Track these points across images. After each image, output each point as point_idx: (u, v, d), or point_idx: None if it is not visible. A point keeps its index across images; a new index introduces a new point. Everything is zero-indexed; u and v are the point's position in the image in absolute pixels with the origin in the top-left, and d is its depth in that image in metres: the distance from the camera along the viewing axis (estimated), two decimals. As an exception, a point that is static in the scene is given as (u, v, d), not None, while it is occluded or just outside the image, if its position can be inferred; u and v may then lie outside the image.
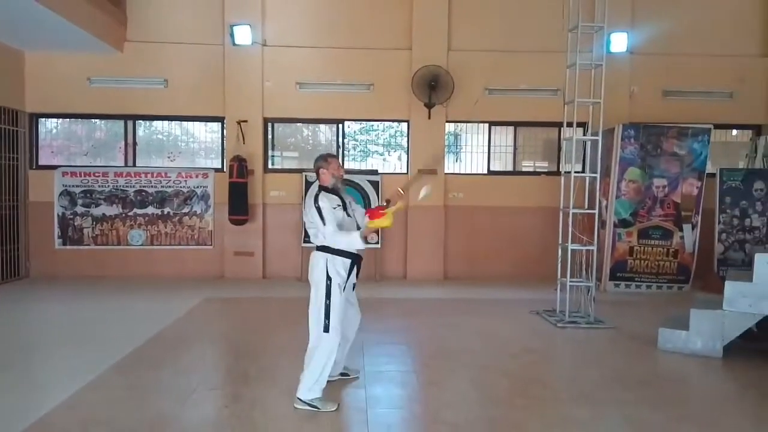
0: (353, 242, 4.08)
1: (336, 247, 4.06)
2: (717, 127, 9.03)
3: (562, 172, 6.89)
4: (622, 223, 8.40)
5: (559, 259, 6.69)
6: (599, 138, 6.65)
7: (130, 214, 9.09)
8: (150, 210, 9.12)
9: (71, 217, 9.02)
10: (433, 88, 8.87)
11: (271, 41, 9.12)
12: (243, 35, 8.76)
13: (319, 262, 4.06)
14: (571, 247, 6.51)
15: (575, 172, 6.56)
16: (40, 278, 8.88)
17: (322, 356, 3.93)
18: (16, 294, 7.84)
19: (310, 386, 3.92)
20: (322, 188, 4.19)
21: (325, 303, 3.96)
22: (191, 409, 4.00)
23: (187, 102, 9.11)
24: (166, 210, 9.14)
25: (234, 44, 8.83)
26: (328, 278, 4.01)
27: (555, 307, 6.73)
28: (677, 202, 8.37)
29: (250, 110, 9.07)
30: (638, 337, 5.87)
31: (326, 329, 3.93)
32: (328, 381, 4.06)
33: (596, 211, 6.73)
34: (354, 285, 4.34)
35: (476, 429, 3.69)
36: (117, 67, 8.99)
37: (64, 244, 9.03)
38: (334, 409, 3.93)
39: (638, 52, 9.24)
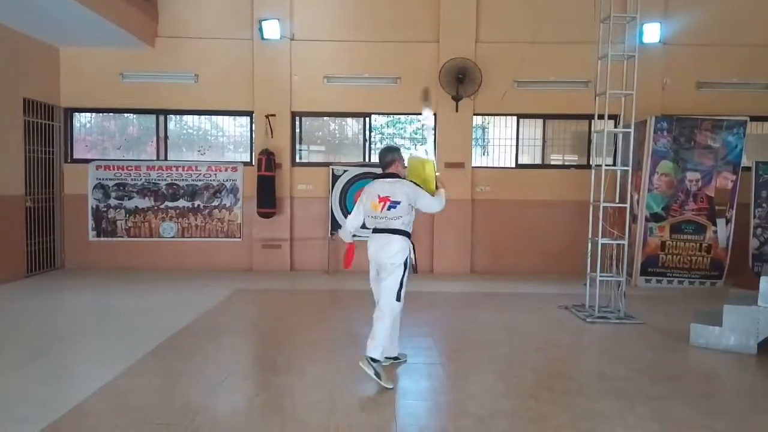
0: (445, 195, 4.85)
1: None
2: (753, 119, 8.80)
3: (593, 166, 6.80)
4: (654, 218, 8.26)
5: (589, 254, 6.62)
6: (631, 130, 6.54)
7: (161, 206, 9.27)
8: (181, 203, 9.29)
9: (105, 209, 9.23)
10: (460, 80, 8.83)
11: (299, 35, 9.18)
12: (271, 30, 8.83)
13: (400, 250, 4.47)
14: (601, 241, 6.43)
15: (606, 165, 6.46)
16: (75, 269, 9.13)
17: (394, 319, 4.54)
18: (51, 284, 8.08)
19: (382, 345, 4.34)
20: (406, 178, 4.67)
21: (402, 281, 4.50)
22: (222, 397, 4.08)
23: (217, 96, 9.23)
24: (197, 203, 9.29)
25: (262, 39, 8.92)
26: (408, 260, 4.54)
27: (584, 302, 6.67)
28: (711, 196, 8.19)
29: (279, 104, 9.15)
30: (669, 333, 5.78)
31: (398, 298, 4.49)
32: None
33: (627, 205, 6.63)
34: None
35: (502, 421, 3.69)
36: (148, 63, 9.16)
37: (98, 236, 9.25)
38: (391, 387, 4.20)
39: (671, 42, 9.04)
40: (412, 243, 4.57)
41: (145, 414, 3.71)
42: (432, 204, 4.64)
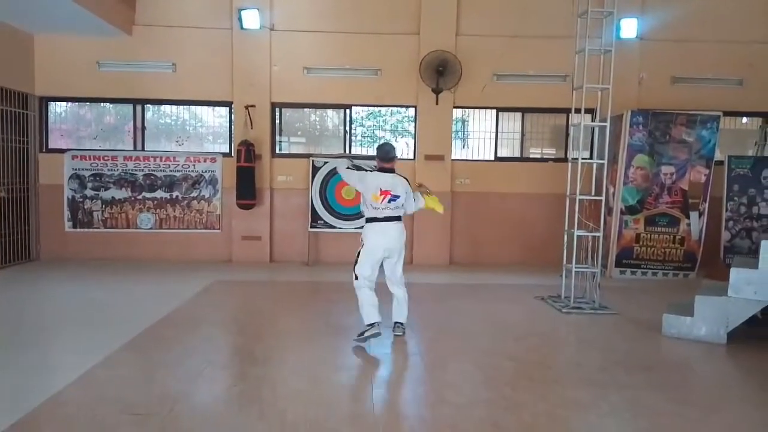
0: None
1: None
2: (726, 114, 8.98)
3: (570, 159, 6.89)
4: (629, 210, 8.41)
5: (565, 246, 6.71)
6: (607, 124, 6.63)
7: (139, 197, 9.17)
8: (159, 194, 9.19)
9: (81, 200, 9.10)
10: (440, 73, 8.86)
11: (278, 26, 9.11)
12: (251, 19, 8.75)
13: (404, 233, 5.24)
14: (577, 233, 6.53)
15: (583, 158, 6.56)
16: (51, 260, 8.99)
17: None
18: (27, 276, 7.96)
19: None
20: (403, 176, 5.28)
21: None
22: (200, 387, 4.08)
23: (195, 86, 9.13)
24: (175, 194, 9.21)
25: (242, 28, 8.83)
26: None
27: (560, 293, 6.77)
28: (685, 190, 8.36)
29: (258, 95, 9.09)
30: (642, 323, 5.91)
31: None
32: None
33: (603, 198, 6.74)
34: None
35: (479, 409, 3.75)
36: (125, 51, 9.01)
37: (74, 226, 9.12)
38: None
39: (648, 38, 9.17)
40: None
41: (123, 404, 3.70)
42: (412, 208, 5.39)
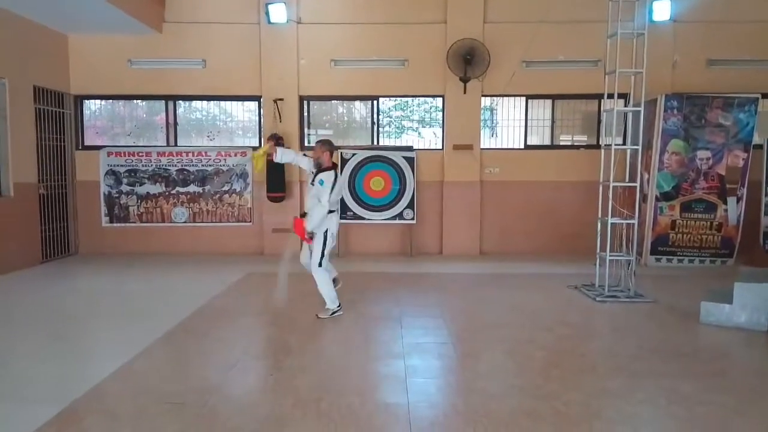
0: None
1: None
2: (764, 96, 8.71)
3: (603, 145, 6.77)
4: (664, 197, 8.23)
5: (599, 234, 6.62)
6: (641, 109, 6.49)
7: (173, 192, 9.35)
8: (192, 188, 9.36)
9: (117, 195, 9.33)
10: (468, 61, 8.78)
11: (305, 19, 9.15)
12: (278, 13, 8.80)
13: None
14: (611, 221, 6.43)
15: (616, 144, 6.44)
16: (89, 255, 9.25)
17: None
18: (67, 270, 8.20)
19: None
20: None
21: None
22: (236, 377, 4.16)
23: (225, 81, 9.25)
24: (207, 188, 9.36)
25: (269, 23, 8.89)
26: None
27: (594, 281, 6.69)
28: (722, 175, 8.14)
29: (286, 88, 9.16)
30: (679, 311, 5.80)
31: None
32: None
33: (637, 185, 6.61)
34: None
35: (511, 398, 3.74)
36: (156, 48, 9.17)
37: (111, 221, 9.36)
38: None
39: (681, 20, 8.92)
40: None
41: (161, 394, 3.80)
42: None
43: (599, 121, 9.18)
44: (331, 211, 5.53)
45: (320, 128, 9.91)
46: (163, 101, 9.51)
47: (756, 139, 8.31)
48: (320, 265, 5.54)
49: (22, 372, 4.18)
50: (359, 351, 4.68)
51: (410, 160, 9.15)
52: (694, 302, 5.58)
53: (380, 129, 9.64)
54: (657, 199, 8.23)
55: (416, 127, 10.03)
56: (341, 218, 8.97)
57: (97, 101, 9.70)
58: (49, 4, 7.64)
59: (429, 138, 9.91)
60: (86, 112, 9.61)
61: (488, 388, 3.90)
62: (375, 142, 9.53)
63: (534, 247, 9.32)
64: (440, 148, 9.47)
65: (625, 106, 7.36)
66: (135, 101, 9.77)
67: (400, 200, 9.12)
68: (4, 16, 7.65)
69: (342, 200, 9.11)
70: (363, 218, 9.14)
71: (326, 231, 5.54)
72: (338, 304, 5.66)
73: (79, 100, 9.43)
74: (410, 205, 9.12)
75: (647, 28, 6.35)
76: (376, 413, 3.51)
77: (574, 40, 8.96)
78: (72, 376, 4.11)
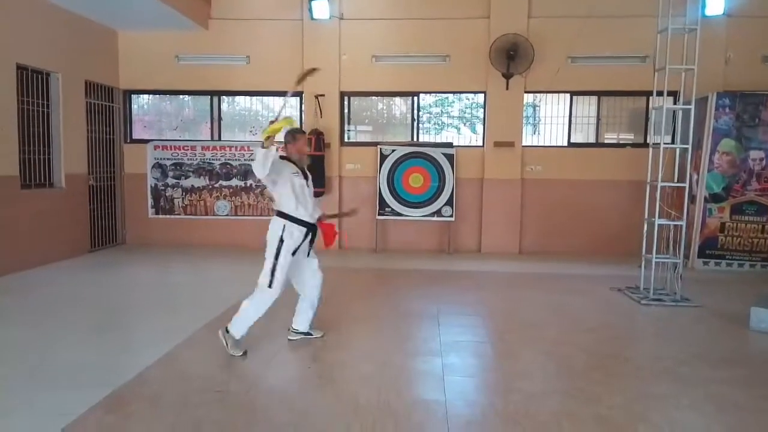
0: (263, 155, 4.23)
1: (257, 165, 4.24)
2: (824, 93, 8.32)
3: (651, 144, 6.58)
4: (714, 198, 7.96)
5: (645, 235, 6.44)
6: (692, 107, 6.27)
7: (216, 185, 9.54)
8: (234, 182, 9.53)
9: (163, 188, 9.57)
10: (511, 57, 8.66)
11: (347, 14, 9.18)
12: (321, 9, 8.86)
13: (275, 226, 4.45)
14: (658, 222, 6.25)
15: (665, 143, 6.25)
16: (135, 245, 9.53)
17: (258, 306, 4.40)
18: (114, 259, 8.46)
19: (239, 326, 4.38)
20: (283, 157, 4.53)
21: (273, 262, 4.39)
22: (276, 368, 4.23)
23: (268, 77, 9.35)
24: (249, 182, 9.51)
25: (312, 18, 8.96)
26: (281, 240, 4.41)
27: (638, 284, 6.52)
28: (776, 176, 7.83)
29: (328, 84, 9.20)
30: (728, 316, 5.60)
31: (270, 285, 4.38)
32: (290, 340, 4.71)
33: (686, 185, 6.41)
34: (309, 252, 4.73)
35: (551, 399, 3.68)
36: (202, 45, 9.36)
37: (157, 213, 9.62)
38: (240, 354, 4.32)
39: (736, 14, 8.59)
40: (308, 224, 4.59)
41: (204, 382, 3.88)
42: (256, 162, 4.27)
43: (647, 119, 8.94)
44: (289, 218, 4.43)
45: (360, 124, 9.94)
46: (209, 96, 9.69)
47: (814, 139, 7.95)
48: (270, 285, 4.36)
49: (71, 358, 4.33)
50: (396, 347, 4.68)
51: (449, 157, 9.09)
52: (743, 307, 5.39)
53: (420, 125, 9.61)
54: (706, 201, 7.98)
55: (456, 124, 9.96)
56: (380, 214, 9.02)
57: (145, 96, 9.96)
58: (100, 1, 7.87)
59: (469, 135, 9.83)
60: (134, 106, 9.88)
61: (527, 389, 3.85)
62: (414, 138, 9.50)
63: (576, 247, 9.15)
64: (481, 145, 9.38)
65: (675, 103, 7.14)
66: (181, 96, 9.98)
67: (438, 197, 9.08)
68: (57, 12, 7.92)
69: (380, 196, 9.13)
70: (401, 215, 9.13)
71: (281, 237, 4.42)
72: (240, 353, 4.34)
73: (128, 94, 9.70)
74: (449, 202, 9.07)
75: (699, 22, 6.14)
76: (414, 409, 3.51)
77: (621, 34, 8.74)
78: (118, 362, 4.24)
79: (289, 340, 4.77)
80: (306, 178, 4.61)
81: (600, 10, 8.60)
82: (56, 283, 6.87)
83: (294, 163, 4.59)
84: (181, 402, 3.57)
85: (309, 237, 4.61)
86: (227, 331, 4.40)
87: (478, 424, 3.36)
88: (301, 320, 4.80)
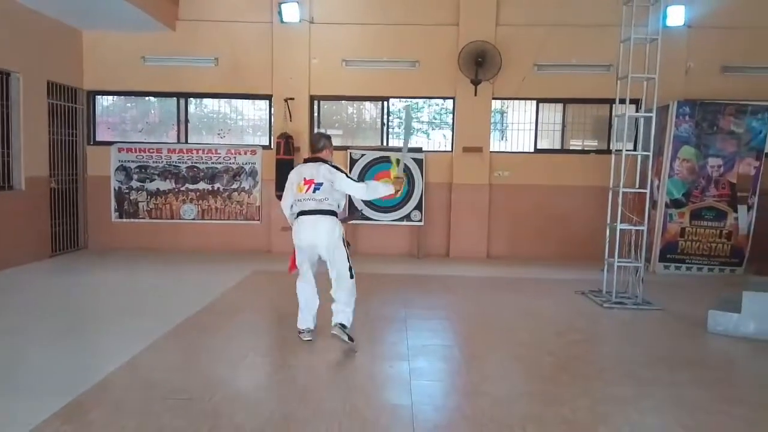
0: (384, 190, 4.84)
1: (372, 198, 4.95)
2: (779, 104, 8.65)
3: (613, 151, 6.74)
4: (674, 204, 8.18)
5: (608, 239, 6.58)
6: (653, 115, 6.44)
7: (182, 189, 9.39)
8: (201, 185, 9.40)
9: (127, 191, 9.38)
10: (480, 64, 8.77)
11: (318, 18, 9.17)
12: (291, 13, 8.81)
13: (335, 228, 4.70)
14: (620, 227, 6.39)
15: (627, 150, 6.40)
16: (98, 250, 9.31)
17: (352, 295, 4.81)
18: (76, 264, 8.25)
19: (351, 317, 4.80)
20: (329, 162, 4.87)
21: (349, 258, 4.78)
22: (243, 373, 4.17)
23: (236, 80, 9.27)
24: (216, 186, 9.39)
25: (282, 22, 8.91)
26: (345, 241, 4.79)
27: (601, 287, 6.65)
28: (733, 183, 8.09)
29: (297, 88, 9.18)
30: (687, 319, 5.76)
31: (352, 276, 4.79)
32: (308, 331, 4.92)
33: (648, 191, 6.58)
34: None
35: (518, 402, 3.73)
36: (169, 46, 9.22)
37: (120, 217, 9.41)
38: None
39: (696, 25, 8.87)
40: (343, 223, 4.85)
41: (168, 388, 3.81)
42: (352, 187, 4.80)
43: (610, 126, 9.14)
44: (297, 215, 4.73)
45: (330, 128, 9.92)
46: (175, 98, 9.55)
47: (769, 148, 8.24)
48: (352, 275, 4.81)
49: (30, 364, 4.21)
50: (364, 351, 4.68)
51: (419, 162, 9.14)
52: (702, 311, 5.54)
53: (390, 130, 9.64)
54: (667, 206, 8.19)
55: (426, 129, 10.02)
56: (350, 216, 9.01)
57: (110, 97, 9.76)
58: (66, 2, 7.69)
59: (438, 140, 9.90)
60: (98, 107, 9.67)
61: (494, 392, 3.89)
62: (384, 143, 9.53)
63: (542, 251, 9.29)
64: (450, 150, 9.46)
65: (637, 111, 7.32)
66: (147, 98, 9.82)
67: (408, 202, 9.12)
68: (19, 11, 7.72)
69: (350, 200, 9.12)
70: (371, 219, 9.14)
71: (344, 237, 4.84)
72: (302, 329, 4.90)
73: (92, 95, 9.50)
74: (418, 207, 9.12)
75: (661, 33, 6.32)
76: (381, 414, 3.51)
77: (586, 44, 8.93)
78: (79, 369, 4.13)
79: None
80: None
81: (566, 19, 8.79)
82: (15, 289, 6.67)
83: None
84: (144, 409, 3.50)
85: None
86: (345, 327, 4.67)
87: (444, 428, 3.38)
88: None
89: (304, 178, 4.72)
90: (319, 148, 4.86)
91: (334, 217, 4.69)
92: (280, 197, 8.89)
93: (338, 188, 4.71)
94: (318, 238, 4.66)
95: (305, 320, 4.93)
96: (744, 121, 8.00)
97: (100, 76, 9.30)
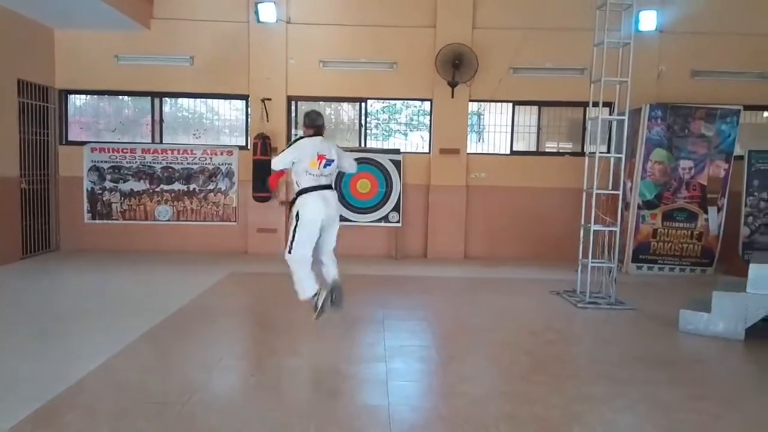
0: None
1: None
2: (747, 108, 8.90)
3: (587, 153, 6.84)
4: (647, 205, 8.33)
5: (582, 240, 6.68)
6: (625, 118, 6.55)
7: (157, 189, 9.27)
8: (176, 186, 9.29)
9: (100, 192, 9.23)
10: (457, 66, 8.82)
11: (295, 18, 9.14)
12: (268, 12, 8.77)
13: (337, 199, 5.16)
14: (593, 228, 6.49)
15: (600, 152, 6.51)
16: (70, 251, 9.14)
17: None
18: (47, 266, 8.10)
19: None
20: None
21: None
22: (218, 377, 4.14)
23: (212, 80, 9.19)
24: (192, 186, 9.30)
25: (258, 21, 8.86)
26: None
27: (576, 287, 6.74)
28: (703, 185, 8.27)
29: (274, 88, 9.13)
30: (659, 319, 5.87)
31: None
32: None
33: (620, 193, 6.70)
34: None
35: (493, 402, 3.76)
36: (144, 45, 9.09)
37: (93, 218, 9.26)
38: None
39: (668, 30, 9.05)
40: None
41: (141, 393, 3.77)
42: (353, 166, 5.39)
43: (584, 129, 9.28)
44: (305, 190, 4.93)
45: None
46: (149, 98, 9.43)
47: (737, 151, 8.44)
48: (290, 252, 4.98)
49: (0, 369, 4.12)
50: (341, 353, 4.68)
51: (397, 163, 9.17)
52: (673, 310, 5.65)
53: (368, 131, 9.65)
54: (639, 207, 8.34)
55: (404, 130, 10.05)
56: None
57: (83, 96, 9.60)
58: (36, -2, 7.55)
59: (416, 141, 9.94)
60: (71, 107, 9.50)
61: (470, 392, 3.92)
62: (362, 144, 9.54)
63: (519, 252, 9.38)
64: (427, 151, 9.50)
65: (610, 114, 7.44)
66: (121, 97, 9.67)
67: (386, 203, 9.14)
68: (-12, 7, 7.56)
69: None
70: (349, 220, 9.13)
71: (297, 212, 4.96)
72: (314, 292, 5.03)
73: (64, 94, 9.32)
74: (396, 208, 9.14)
75: (633, 37, 6.44)
76: (357, 415, 3.51)
77: (561, 47, 9.05)
78: (52, 373, 4.05)
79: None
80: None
81: (541, 23, 8.88)
82: (-17, 292, 6.52)
83: None
84: (118, 413, 3.45)
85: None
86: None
87: (421, 428, 3.40)
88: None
89: (318, 153, 4.87)
90: (320, 124, 5.12)
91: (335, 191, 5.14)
92: (257, 198, 8.96)
93: (339, 165, 5.09)
94: (331, 212, 4.98)
95: (312, 286, 5.06)
96: (714, 125, 8.18)
97: (72, 74, 9.14)
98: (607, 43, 6.39)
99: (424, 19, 9.17)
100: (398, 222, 9.18)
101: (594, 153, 6.51)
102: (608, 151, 7.59)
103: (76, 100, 9.59)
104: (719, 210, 8.30)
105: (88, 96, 9.61)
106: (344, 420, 3.44)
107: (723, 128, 8.19)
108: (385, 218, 9.15)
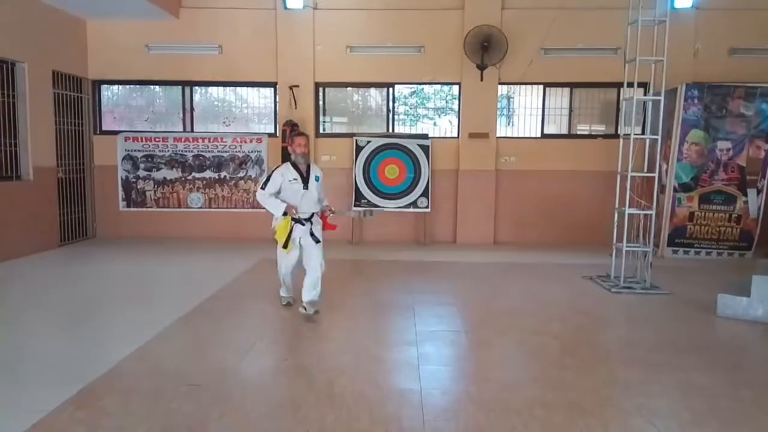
0: (275, 211, 5.32)
1: (264, 206, 5.38)
2: (789, 86, 8.54)
3: (621, 135, 6.69)
4: (683, 188, 8.13)
5: (616, 224, 6.55)
6: (661, 98, 6.38)
7: (189, 177, 9.42)
8: (208, 174, 9.42)
9: (134, 180, 9.41)
10: (485, 49, 8.69)
11: (322, 4, 9.11)
12: (294, -1, 8.77)
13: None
14: (628, 211, 6.36)
15: (635, 134, 6.35)
16: (106, 238, 9.36)
17: None
18: (84, 253, 8.30)
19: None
20: (288, 160, 5.31)
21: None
22: (251, 360, 4.20)
23: (241, 68, 9.25)
24: (223, 174, 9.41)
25: (286, 8, 8.87)
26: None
27: (609, 272, 6.64)
28: (742, 166, 8.02)
29: (302, 75, 9.15)
30: (696, 304, 5.74)
31: None
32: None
33: (656, 175, 6.53)
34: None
35: (524, 387, 3.73)
36: (173, 34, 9.19)
37: (128, 206, 9.46)
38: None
39: (704, 7, 8.76)
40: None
41: (178, 376, 3.84)
42: (258, 197, 5.44)
43: (618, 110, 9.07)
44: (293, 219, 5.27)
45: (335, 115, 9.90)
46: (180, 87, 9.54)
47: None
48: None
49: (42, 354, 4.26)
50: (372, 338, 4.70)
51: (425, 148, 9.12)
52: (710, 295, 5.52)
53: (395, 116, 9.60)
54: (675, 190, 8.13)
55: (432, 115, 9.98)
56: (356, 205, 9.01)
57: (115, 86, 9.76)
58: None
59: (444, 126, 9.86)
60: (104, 97, 9.67)
61: (501, 377, 3.90)
62: (390, 130, 9.50)
63: (549, 237, 9.27)
64: (456, 136, 9.42)
65: (645, 95, 7.26)
66: (152, 87, 9.81)
67: (414, 188, 9.10)
68: (23, 1, 7.70)
69: (356, 188, 9.12)
70: (377, 206, 9.13)
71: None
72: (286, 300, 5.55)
73: (97, 84, 9.50)
74: (425, 194, 9.10)
75: (669, 15, 6.23)
76: (389, 399, 3.53)
77: (593, 27, 8.83)
78: (90, 357, 4.17)
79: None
80: (305, 180, 5.23)
81: (572, 2, 8.68)
82: (26, 278, 6.72)
83: (293, 164, 5.23)
84: (155, 395, 3.53)
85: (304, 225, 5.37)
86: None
87: (453, 412, 3.40)
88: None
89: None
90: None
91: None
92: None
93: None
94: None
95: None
96: (754, 104, 7.91)
97: (104, 65, 9.29)
98: (641, 22, 6.21)
99: (452, 1, 9.04)
100: (427, 207, 9.14)
101: (629, 135, 6.36)
102: (643, 133, 7.41)
103: (109, 90, 9.75)
104: (759, 192, 8.05)
105: (120, 86, 9.77)
106: (376, 404, 3.46)
107: (763, 107, 7.90)
108: (414, 204, 9.12)
